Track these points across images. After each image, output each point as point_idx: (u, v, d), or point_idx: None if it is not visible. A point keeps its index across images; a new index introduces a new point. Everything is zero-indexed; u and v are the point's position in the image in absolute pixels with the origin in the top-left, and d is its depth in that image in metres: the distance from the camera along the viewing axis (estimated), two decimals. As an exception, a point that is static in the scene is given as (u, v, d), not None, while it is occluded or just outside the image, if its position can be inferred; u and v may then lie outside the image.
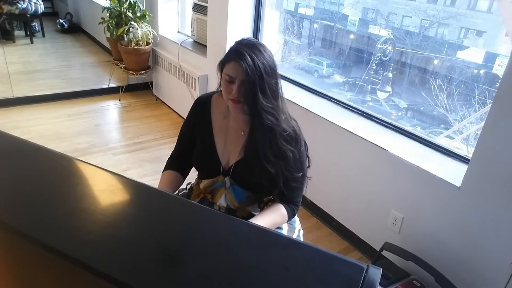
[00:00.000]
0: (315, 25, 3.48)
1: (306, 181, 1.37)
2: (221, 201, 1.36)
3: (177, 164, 1.44)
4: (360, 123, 2.28)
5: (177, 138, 1.47)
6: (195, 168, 1.43)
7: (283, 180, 1.28)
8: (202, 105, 1.39)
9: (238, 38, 1.24)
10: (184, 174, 1.46)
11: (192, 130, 1.41)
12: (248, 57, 1.14)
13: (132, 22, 3.85)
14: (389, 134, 2.16)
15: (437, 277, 1.71)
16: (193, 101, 1.43)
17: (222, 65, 1.21)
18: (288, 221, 1.37)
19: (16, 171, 0.96)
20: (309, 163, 1.37)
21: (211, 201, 1.38)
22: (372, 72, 2.84)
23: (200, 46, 3.66)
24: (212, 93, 1.40)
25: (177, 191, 1.56)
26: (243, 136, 1.31)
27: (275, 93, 1.22)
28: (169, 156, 1.48)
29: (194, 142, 1.40)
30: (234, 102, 1.20)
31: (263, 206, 1.41)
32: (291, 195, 1.33)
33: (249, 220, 1.24)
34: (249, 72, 1.14)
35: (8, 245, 0.84)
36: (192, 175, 1.50)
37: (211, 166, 1.35)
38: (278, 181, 1.27)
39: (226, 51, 1.22)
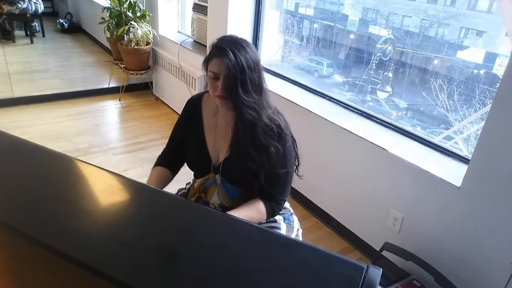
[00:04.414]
0: (315, 25, 3.48)
1: (290, 179, 1.34)
2: (214, 199, 1.36)
3: (167, 161, 1.45)
4: (360, 123, 2.28)
5: (169, 136, 1.48)
6: (188, 166, 1.43)
7: (265, 176, 1.26)
8: (194, 104, 1.40)
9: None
10: (174, 172, 1.46)
11: (184, 129, 1.42)
12: (230, 52, 1.15)
13: (132, 22, 3.85)
14: (389, 134, 2.16)
15: (437, 277, 1.71)
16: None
17: (206, 63, 1.22)
18: (267, 218, 1.35)
19: (16, 171, 0.96)
20: (298, 161, 1.36)
21: (205, 199, 1.38)
22: (372, 72, 2.84)
23: (200, 46, 3.66)
24: (204, 93, 1.41)
25: (176, 191, 1.57)
26: (231, 133, 1.32)
27: (258, 88, 1.22)
28: (160, 153, 1.49)
29: (185, 141, 1.41)
30: (220, 98, 1.21)
31: None
32: (272, 191, 1.31)
33: (227, 212, 1.23)
34: (230, 67, 1.14)
35: (8, 245, 0.84)
36: (192, 175, 1.50)
37: (203, 164, 1.36)
38: (260, 176, 1.26)
39: (209, 48, 1.22)
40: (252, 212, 1.29)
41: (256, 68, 1.20)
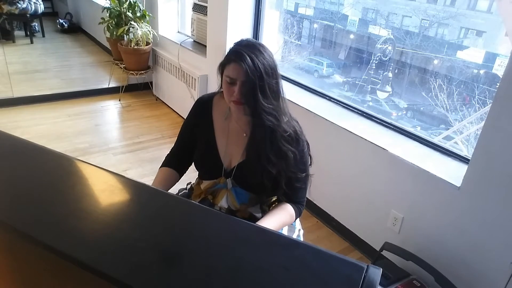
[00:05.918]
0: (315, 25, 3.48)
1: (309, 181, 1.37)
2: (222, 203, 1.35)
3: (175, 161, 1.44)
4: (360, 123, 2.28)
5: (177, 136, 1.47)
6: (196, 168, 1.42)
7: (285, 181, 1.28)
8: (204, 106, 1.38)
9: (238, 39, 1.24)
10: (181, 173, 1.45)
11: (192, 130, 1.40)
12: (248, 58, 1.14)
13: (132, 22, 3.85)
14: (389, 134, 2.16)
15: (437, 277, 1.71)
16: (194, 101, 1.43)
17: (222, 67, 1.21)
18: (295, 220, 1.38)
19: (16, 171, 0.96)
20: (311, 161, 1.37)
21: (212, 202, 1.37)
22: (372, 72, 2.84)
23: (200, 46, 3.66)
24: (214, 94, 1.39)
25: (177, 191, 1.56)
26: (245, 138, 1.31)
27: (276, 94, 1.21)
28: (168, 152, 1.48)
29: (194, 142, 1.40)
30: (236, 103, 1.20)
31: (266, 207, 1.41)
32: (296, 195, 1.33)
33: (258, 222, 1.23)
34: (249, 73, 1.13)
35: (8, 245, 0.84)
36: (193, 175, 1.50)
37: (213, 167, 1.35)
38: (280, 182, 1.27)
39: (226, 52, 1.22)
40: (284, 216, 1.31)
41: (273, 74, 1.19)
